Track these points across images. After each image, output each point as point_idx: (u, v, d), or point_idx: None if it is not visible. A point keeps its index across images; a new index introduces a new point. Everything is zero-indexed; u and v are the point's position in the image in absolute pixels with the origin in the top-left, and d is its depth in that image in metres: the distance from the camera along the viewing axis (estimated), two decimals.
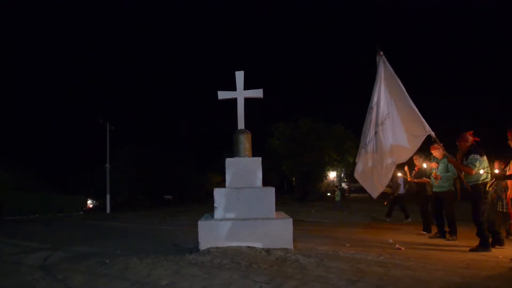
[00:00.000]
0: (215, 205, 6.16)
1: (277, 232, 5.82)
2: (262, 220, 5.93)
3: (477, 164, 6.11)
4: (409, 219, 11.52)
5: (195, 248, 5.87)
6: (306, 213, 16.38)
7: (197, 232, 5.84)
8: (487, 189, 6.12)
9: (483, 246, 6.01)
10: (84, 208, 34.80)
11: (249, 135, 6.82)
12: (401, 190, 12.27)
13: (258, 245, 5.69)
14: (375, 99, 6.61)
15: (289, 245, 5.75)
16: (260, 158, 6.58)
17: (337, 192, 20.20)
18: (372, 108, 6.64)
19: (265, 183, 6.57)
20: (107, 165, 30.86)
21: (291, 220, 5.97)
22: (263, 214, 6.06)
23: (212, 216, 6.26)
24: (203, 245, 5.74)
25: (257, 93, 7.04)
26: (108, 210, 28.42)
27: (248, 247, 5.63)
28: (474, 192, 6.20)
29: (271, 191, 6.26)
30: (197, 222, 5.97)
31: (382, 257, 5.37)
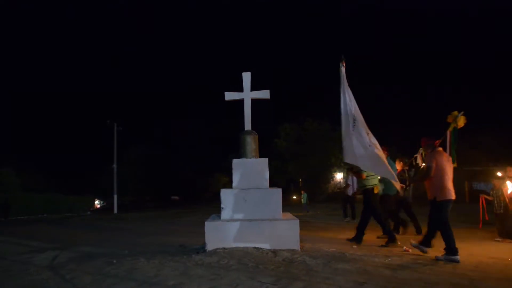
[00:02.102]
0: (222, 206, 6.16)
1: (284, 233, 5.81)
2: (269, 221, 5.93)
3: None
4: (349, 219, 12.44)
5: (202, 249, 5.88)
6: (313, 214, 16.35)
7: (204, 233, 5.85)
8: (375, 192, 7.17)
9: (390, 240, 6.78)
10: (91, 209, 35.01)
11: (256, 136, 6.82)
12: (350, 190, 12.91)
13: (265, 246, 5.69)
14: (353, 108, 6.72)
15: (296, 246, 5.75)
16: (267, 159, 6.57)
17: (304, 195, 20.76)
18: (356, 120, 6.68)
19: (272, 184, 6.56)
20: (114, 166, 31.04)
21: (297, 221, 5.96)
22: (270, 215, 6.05)
23: (219, 217, 6.26)
24: (210, 246, 5.75)
25: (264, 94, 7.03)
26: (115, 211, 28.58)
27: (255, 248, 5.63)
28: (365, 195, 7.20)
29: (277, 192, 6.26)
30: (204, 222, 5.98)
31: (389, 259, 5.34)
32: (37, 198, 26.26)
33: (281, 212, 6.19)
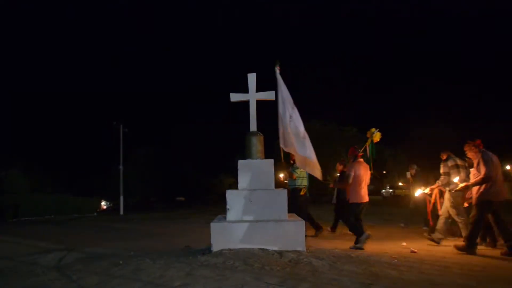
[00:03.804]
0: (228, 207, 6.16)
1: (289, 234, 5.79)
2: (275, 222, 5.91)
3: (297, 171, 8.19)
4: None
5: (207, 250, 5.88)
6: (319, 216, 16.29)
7: (209, 234, 5.85)
8: (301, 193, 8.37)
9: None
10: (98, 210, 35.16)
11: (262, 137, 6.81)
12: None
13: (270, 247, 5.67)
14: (289, 107, 6.93)
15: (302, 247, 5.73)
16: (272, 160, 6.56)
17: None
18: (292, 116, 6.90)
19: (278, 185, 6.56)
20: (120, 167, 31.15)
21: (303, 222, 5.95)
22: (275, 216, 6.04)
23: (225, 218, 6.26)
24: (215, 247, 5.75)
25: (269, 95, 7.02)
26: (121, 212, 28.66)
27: (261, 249, 5.62)
28: (293, 193, 8.18)
29: (283, 193, 6.24)
30: (209, 223, 5.98)
31: (396, 260, 5.31)
32: (44, 199, 26.46)
33: (287, 213, 6.17)
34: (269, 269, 4.61)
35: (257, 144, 6.69)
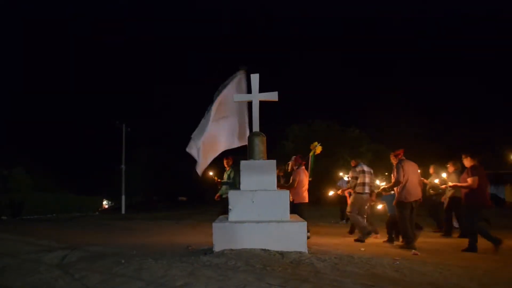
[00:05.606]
0: (230, 207, 6.17)
1: (291, 235, 5.80)
2: (277, 222, 5.92)
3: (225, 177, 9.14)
4: (343, 221, 13.27)
5: (209, 250, 5.89)
6: (321, 217, 16.29)
7: (211, 234, 5.86)
8: None
9: None
10: (99, 209, 35.23)
11: (264, 138, 6.82)
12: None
13: (272, 247, 5.68)
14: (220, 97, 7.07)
15: (304, 248, 5.73)
16: (274, 161, 6.57)
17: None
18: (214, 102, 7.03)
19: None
20: (123, 166, 31.23)
21: (305, 223, 5.96)
22: (277, 216, 6.05)
23: (227, 218, 6.28)
24: (217, 247, 5.76)
25: (272, 96, 7.03)
26: (123, 211, 28.72)
27: (263, 249, 5.63)
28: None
29: (285, 194, 6.25)
30: (211, 223, 6.00)
31: (398, 262, 5.31)
32: (47, 197, 26.56)
33: (289, 213, 6.18)
34: (270, 270, 4.62)
35: (259, 144, 6.70)
